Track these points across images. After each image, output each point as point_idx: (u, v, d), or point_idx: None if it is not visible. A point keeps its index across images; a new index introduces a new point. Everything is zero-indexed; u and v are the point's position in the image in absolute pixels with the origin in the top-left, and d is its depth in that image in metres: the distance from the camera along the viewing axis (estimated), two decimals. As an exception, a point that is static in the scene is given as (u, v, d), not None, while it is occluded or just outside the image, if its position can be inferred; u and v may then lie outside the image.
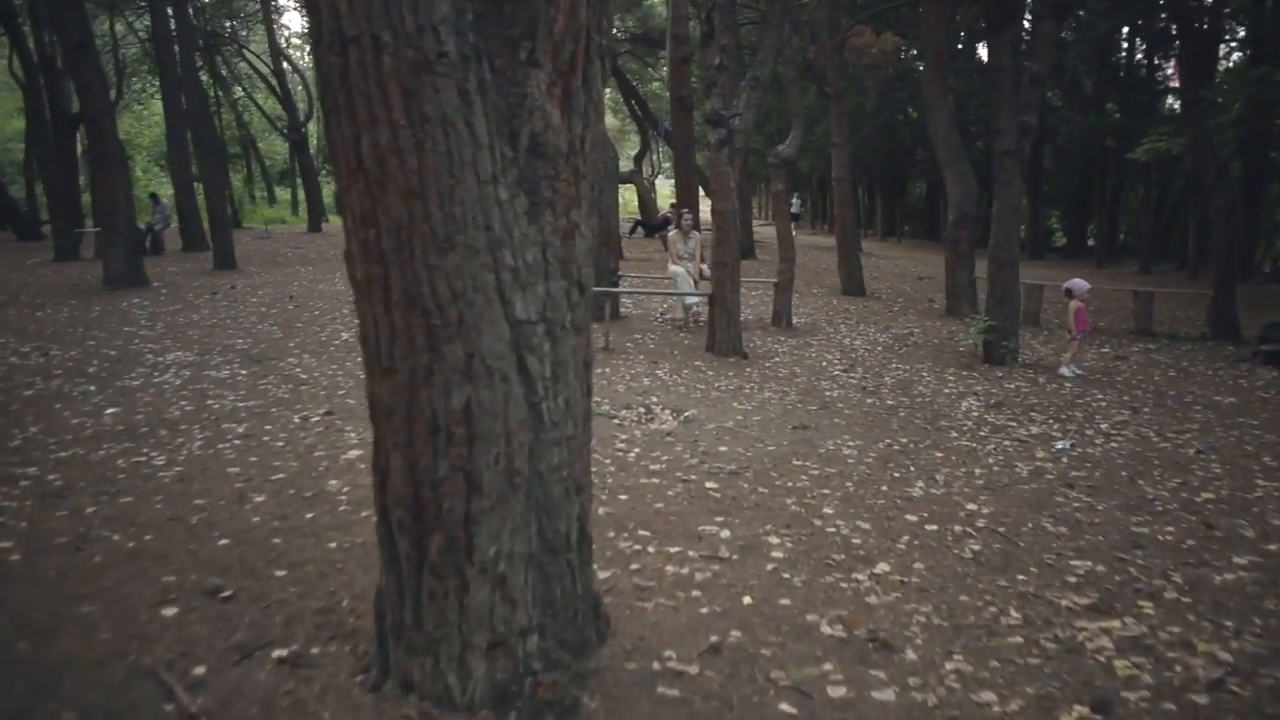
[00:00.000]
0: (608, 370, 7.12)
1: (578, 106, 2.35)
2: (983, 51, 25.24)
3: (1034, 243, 25.71)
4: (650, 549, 3.55)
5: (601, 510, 3.94)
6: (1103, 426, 5.85)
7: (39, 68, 17.23)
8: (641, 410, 5.91)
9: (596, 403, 5.94)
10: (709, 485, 4.35)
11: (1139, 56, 23.45)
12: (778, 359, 8.03)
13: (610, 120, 37.57)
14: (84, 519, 3.82)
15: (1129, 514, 4.17)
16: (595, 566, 3.30)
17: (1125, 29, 21.47)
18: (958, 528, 3.90)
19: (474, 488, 2.28)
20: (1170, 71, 22.46)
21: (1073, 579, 3.38)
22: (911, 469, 4.80)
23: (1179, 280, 18.54)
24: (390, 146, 2.11)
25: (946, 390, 6.90)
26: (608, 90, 33.05)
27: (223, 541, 3.57)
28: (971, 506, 4.19)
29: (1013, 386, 7.11)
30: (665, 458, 4.80)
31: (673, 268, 9.71)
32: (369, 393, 2.33)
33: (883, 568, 3.44)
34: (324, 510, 3.94)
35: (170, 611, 2.95)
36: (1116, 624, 2.99)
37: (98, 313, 9.78)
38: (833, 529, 3.84)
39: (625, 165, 25.10)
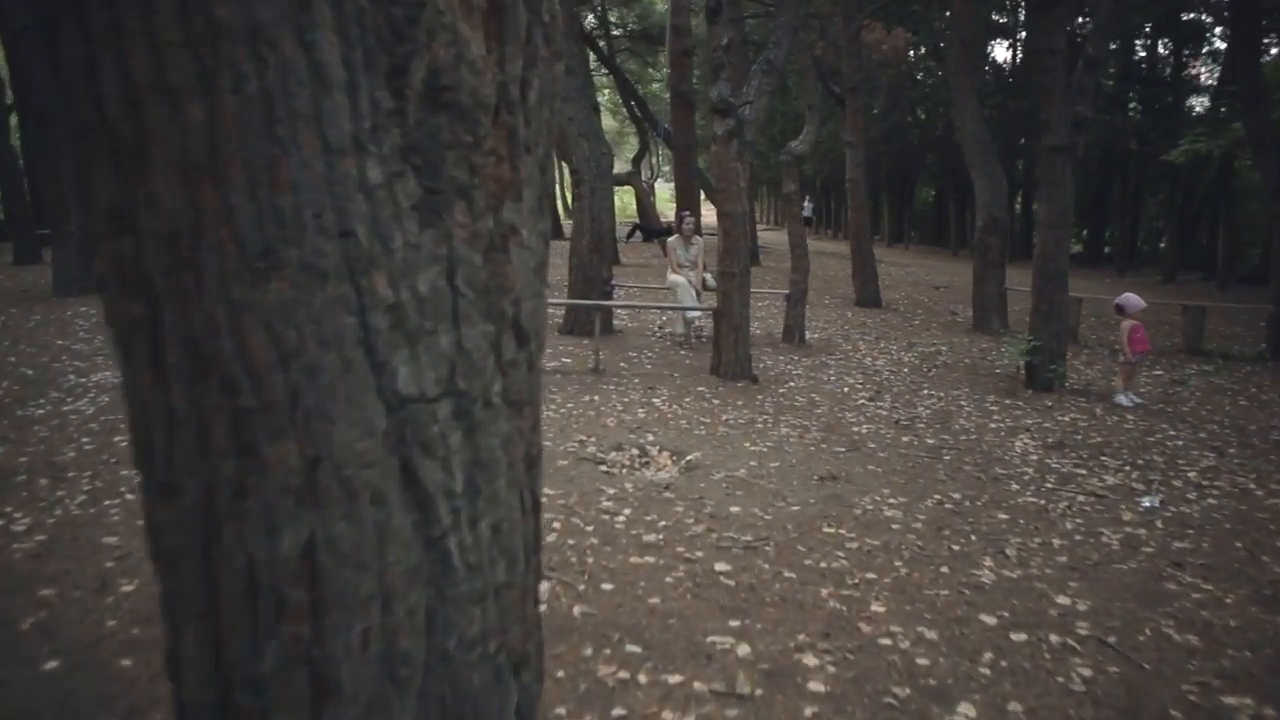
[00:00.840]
0: (596, 398, 6.14)
1: (514, 27, 1.38)
2: (998, 50, 24.33)
3: (1049, 250, 24.69)
4: (641, 678, 2.57)
5: (577, 610, 2.96)
6: (1190, 475, 4.87)
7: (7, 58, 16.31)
8: (634, 452, 4.93)
9: (581, 442, 4.97)
10: (719, 567, 3.37)
11: (1161, 51, 22.43)
12: (793, 383, 7.05)
13: (609, 122, 36.14)
14: (-118, 620, 2.85)
15: (1270, 612, 3.20)
16: (563, 713, 2.34)
17: (1148, 24, 20.46)
18: (1054, 637, 2.92)
19: (325, 689, 1.31)
20: (1196, 71, 21.50)
21: (1235, 731, 2.41)
22: (973, 538, 3.82)
23: (1207, 291, 17.57)
24: (154, 82, 1.14)
25: (993, 425, 5.91)
26: (605, 90, 31.32)
27: (50, 664, 2.59)
28: (1063, 600, 3.22)
29: (1068, 419, 6.13)
30: (663, 523, 3.81)
31: (672, 277, 8.71)
32: (146, 522, 1.36)
33: (966, 712, 2.46)
34: (207, 607, 2.96)
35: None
36: (1333, 828, 2.02)
37: (35, 323, 8.79)
38: (887, 640, 2.86)
39: (623, 168, 24.01)
